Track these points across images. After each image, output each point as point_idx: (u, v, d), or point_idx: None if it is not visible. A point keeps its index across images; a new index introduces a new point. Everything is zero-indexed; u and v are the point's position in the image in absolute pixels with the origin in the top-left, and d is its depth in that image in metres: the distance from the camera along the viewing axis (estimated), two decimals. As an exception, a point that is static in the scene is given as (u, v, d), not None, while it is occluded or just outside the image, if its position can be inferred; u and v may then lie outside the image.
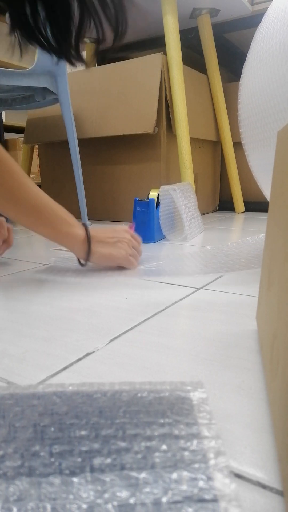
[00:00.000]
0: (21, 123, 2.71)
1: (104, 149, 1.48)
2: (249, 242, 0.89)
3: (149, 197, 1.01)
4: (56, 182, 1.64)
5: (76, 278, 0.68)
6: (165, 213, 1.05)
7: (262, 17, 0.63)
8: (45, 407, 0.29)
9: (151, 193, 1.03)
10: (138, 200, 1.01)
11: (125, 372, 0.36)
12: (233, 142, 1.63)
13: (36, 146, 1.71)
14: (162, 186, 1.02)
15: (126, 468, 0.23)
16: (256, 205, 1.72)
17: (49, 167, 1.66)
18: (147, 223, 1.00)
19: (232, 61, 1.89)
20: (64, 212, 0.66)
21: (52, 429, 0.27)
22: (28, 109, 1.50)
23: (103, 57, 1.87)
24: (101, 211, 1.53)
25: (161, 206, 1.03)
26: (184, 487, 0.22)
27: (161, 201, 1.03)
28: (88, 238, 0.66)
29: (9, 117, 2.81)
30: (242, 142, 0.68)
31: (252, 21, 1.48)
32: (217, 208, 1.84)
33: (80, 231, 0.66)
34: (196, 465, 0.23)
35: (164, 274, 0.65)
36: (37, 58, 1.16)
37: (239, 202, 1.68)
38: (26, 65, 0.87)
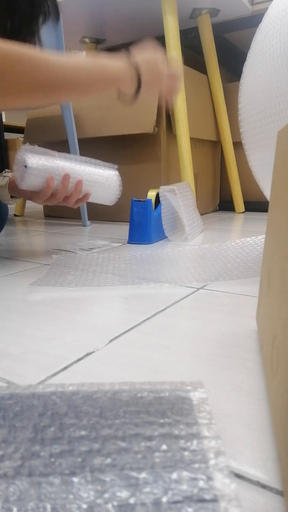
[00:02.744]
0: (21, 123, 2.71)
1: (104, 149, 1.48)
2: (249, 244, 0.89)
3: (147, 198, 1.01)
4: (56, 182, 1.64)
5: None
6: (167, 213, 1.05)
7: (262, 17, 0.63)
8: (45, 407, 0.29)
9: (149, 193, 1.03)
10: (135, 200, 1.01)
11: (125, 372, 0.36)
12: (233, 142, 1.63)
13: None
14: (161, 187, 1.02)
15: (126, 468, 0.23)
16: (256, 205, 1.72)
17: (49, 167, 1.65)
18: (144, 224, 1.00)
19: (232, 61, 1.89)
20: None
21: (52, 429, 0.27)
22: (28, 109, 1.50)
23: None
24: (101, 211, 1.53)
25: (162, 206, 1.03)
26: (184, 487, 0.22)
27: (162, 202, 1.03)
28: (136, 68, 0.68)
29: (9, 117, 2.82)
30: (242, 142, 0.68)
31: (252, 21, 1.48)
32: (217, 208, 1.84)
33: (121, 62, 0.67)
34: (196, 465, 0.23)
35: (160, 281, 0.65)
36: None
37: (239, 202, 1.68)
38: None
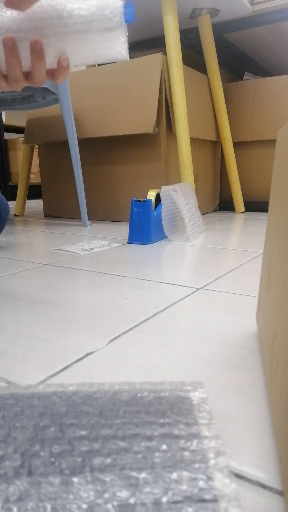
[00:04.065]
0: (21, 123, 2.71)
1: (104, 149, 1.48)
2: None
3: (147, 197, 1.01)
4: (56, 182, 1.65)
5: (76, 278, 0.68)
6: (168, 214, 1.05)
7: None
8: (45, 407, 0.29)
9: (149, 193, 1.03)
10: (135, 200, 1.01)
11: (125, 372, 0.36)
12: (233, 142, 1.63)
13: (36, 146, 1.71)
14: (163, 187, 1.03)
15: (126, 468, 0.23)
16: (256, 205, 1.72)
17: (49, 167, 1.66)
18: (144, 224, 1.00)
19: (232, 61, 1.89)
20: None
21: (52, 429, 0.27)
22: (28, 109, 1.50)
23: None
24: (101, 211, 1.53)
25: (163, 206, 1.03)
26: (184, 487, 0.22)
27: (163, 202, 1.03)
28: None
29: (9, 117, 2.82)
30: None
31: (252, 21, 1.48)
32: (217, 208, 1.84)
33: None
34: (196, 465, 0.23)
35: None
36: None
37: (239, 202, 1.68)
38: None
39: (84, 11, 0.43)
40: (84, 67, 2.63)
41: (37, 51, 0.43)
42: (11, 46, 0.43)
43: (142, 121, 1.30)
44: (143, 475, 0.22)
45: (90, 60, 0.46)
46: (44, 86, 1.20)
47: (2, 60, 0.44)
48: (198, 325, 0.47)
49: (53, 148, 1.62)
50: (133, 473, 0.23)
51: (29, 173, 1.73)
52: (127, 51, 0.45)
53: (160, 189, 1.07)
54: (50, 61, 0.45)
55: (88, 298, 0.57)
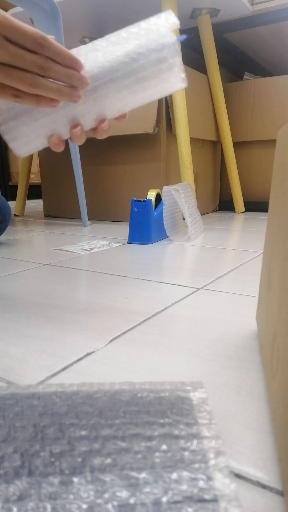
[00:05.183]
0: (21, 123, 2.70)
1: (104, 149, 1.48)
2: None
3: (147, 197, 1.01)
4: (56, 182, 1.64)
5: (76, 278, 0.68)
6: (169, 214, 1.05)
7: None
8: (45, 407, 0.29)
9: (149, 193, 1.03)
10: (135, 200, 1.01)
11: (125, 372, 0.36)
12: (233, 142, 1.63)
13: (36, 146, 1.71)
14: (164, 187, 1.03)
15: (126, 468, 0.23)
16: (256, 205, 1.72)
17: (49, 167, 1.66)
18: (144, 224, 1.00)
19: (232, 61, 1.89)
20: None
21: (52, 429, 0.27)
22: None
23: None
24: (101, 211, 1.53)
25: (164, 206, 1.03)
26: (184, 487, 0.22)
27: (164, 202, 1.03)
28: None
29: (9, 117, 2.81)
30: None
31: (252, 21, 1.48)
32: (217, 208, 1.84)
33: None
34: (196, 465, 0.23)
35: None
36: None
37: (239, 202, 1.68)
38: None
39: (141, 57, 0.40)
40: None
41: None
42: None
43: (142, 121, 1.30)
44: (143, 475, 0.22)
45: (149, 99, 0.45)
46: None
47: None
48: (198, 325, 0.47)
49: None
50: (133, 473, 0.23)
51: (29, 173, 1.73)
52: (184, 80, 0.43)
53: (160, 189, 1.07)
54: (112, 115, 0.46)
55: (88, 298, 0.57)
